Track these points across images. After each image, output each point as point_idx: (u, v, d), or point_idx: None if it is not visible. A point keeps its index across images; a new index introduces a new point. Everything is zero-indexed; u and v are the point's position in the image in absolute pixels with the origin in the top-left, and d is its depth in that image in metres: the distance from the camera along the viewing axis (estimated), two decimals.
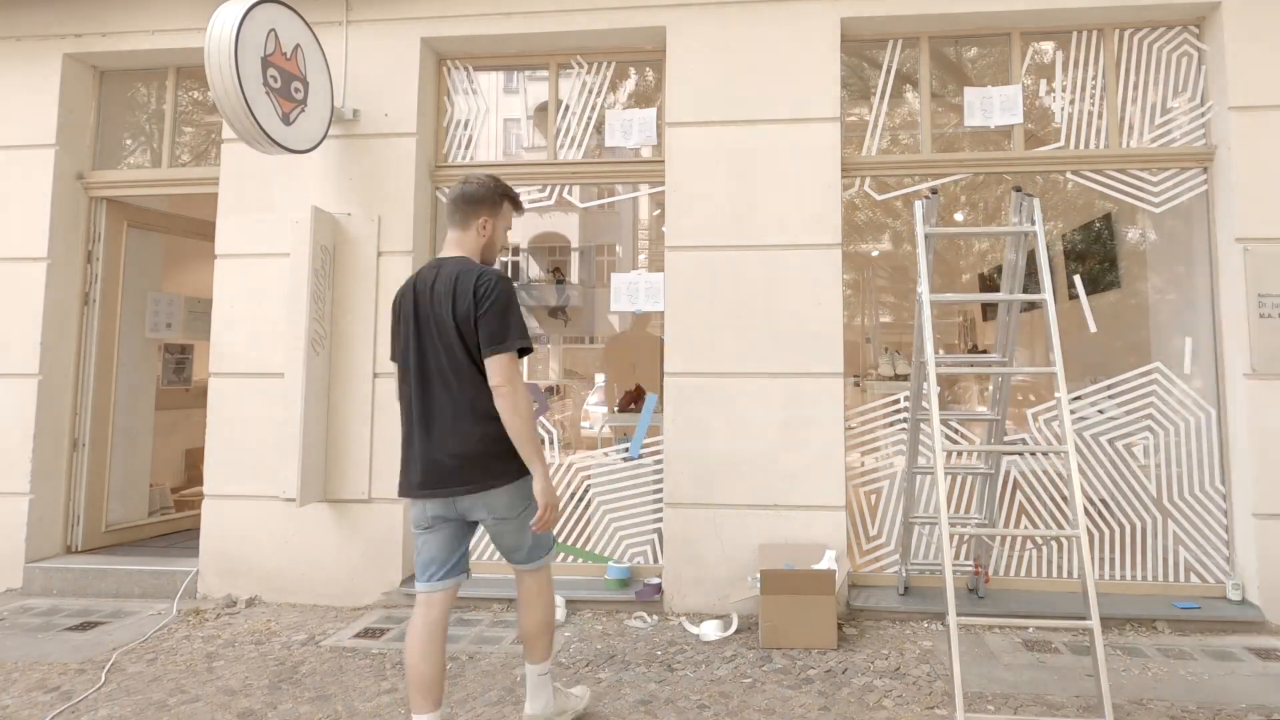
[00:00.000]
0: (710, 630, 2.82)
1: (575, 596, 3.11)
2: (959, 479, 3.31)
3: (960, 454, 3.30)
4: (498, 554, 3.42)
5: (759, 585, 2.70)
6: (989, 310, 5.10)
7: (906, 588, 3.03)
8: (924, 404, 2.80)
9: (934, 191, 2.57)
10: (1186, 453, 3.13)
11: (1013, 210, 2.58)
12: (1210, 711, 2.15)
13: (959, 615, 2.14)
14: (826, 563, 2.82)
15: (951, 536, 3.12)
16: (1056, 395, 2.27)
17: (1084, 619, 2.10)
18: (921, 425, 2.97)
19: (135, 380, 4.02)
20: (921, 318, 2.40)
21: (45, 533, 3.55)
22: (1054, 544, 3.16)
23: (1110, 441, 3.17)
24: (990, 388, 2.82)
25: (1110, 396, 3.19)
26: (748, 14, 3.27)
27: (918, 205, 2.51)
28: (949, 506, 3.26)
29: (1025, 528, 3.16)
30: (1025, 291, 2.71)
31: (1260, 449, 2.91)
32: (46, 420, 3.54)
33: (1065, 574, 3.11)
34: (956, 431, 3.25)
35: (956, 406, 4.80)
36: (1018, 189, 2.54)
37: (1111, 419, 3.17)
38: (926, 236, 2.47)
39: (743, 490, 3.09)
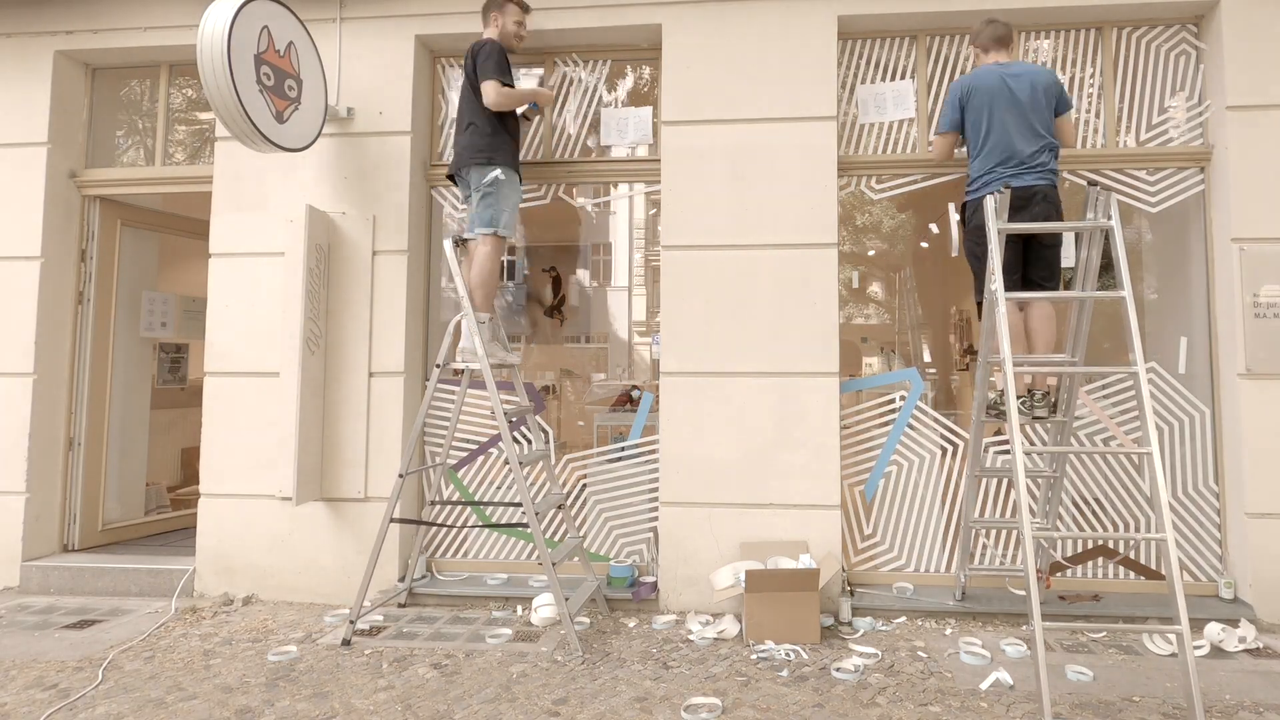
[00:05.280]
0: (704, 628, 2.83)
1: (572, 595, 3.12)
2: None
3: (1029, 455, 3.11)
4: (492, 553, 3.44)
5: (743, 583, 2.72)
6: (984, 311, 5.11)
7: (964, 592, 2.96)
8: (990, 406, 2.72)
9: (1007, 186, 2.51)
10: (1180, 452, 3.14)
11: (1088, 206, 2.49)
12: (1201, 708, 2.16)
13: (1044, 621, 2.09)
14: (804, 564, 2.83)
15: (1019, 539, 3.10)
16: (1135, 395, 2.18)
17: (1172, 622, 2.06)
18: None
19: (130, 379, 4.02)
20: (996, 316, 2.35)
21: (42, 531, 3.55)
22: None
23: (1104, 440, 3.18)
24: (1060, 389, 2.76)
25: (1105, 396, 3.20)
26: (744, 12, 3.25)
27: (989, 200, 2.46)
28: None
29: (1106, 531, 3.10)
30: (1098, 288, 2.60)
31: (1254, 448, 2.93)
32: (41, 419, 3.54)
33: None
34: (953, 433, 3.25)
35: (955, 408, 4.79)
36: (1093, 184, 2.46)
37: (1105, 419, 3.18)
38: (999, 232, 2.42)
39: (738, 489, 3.09)
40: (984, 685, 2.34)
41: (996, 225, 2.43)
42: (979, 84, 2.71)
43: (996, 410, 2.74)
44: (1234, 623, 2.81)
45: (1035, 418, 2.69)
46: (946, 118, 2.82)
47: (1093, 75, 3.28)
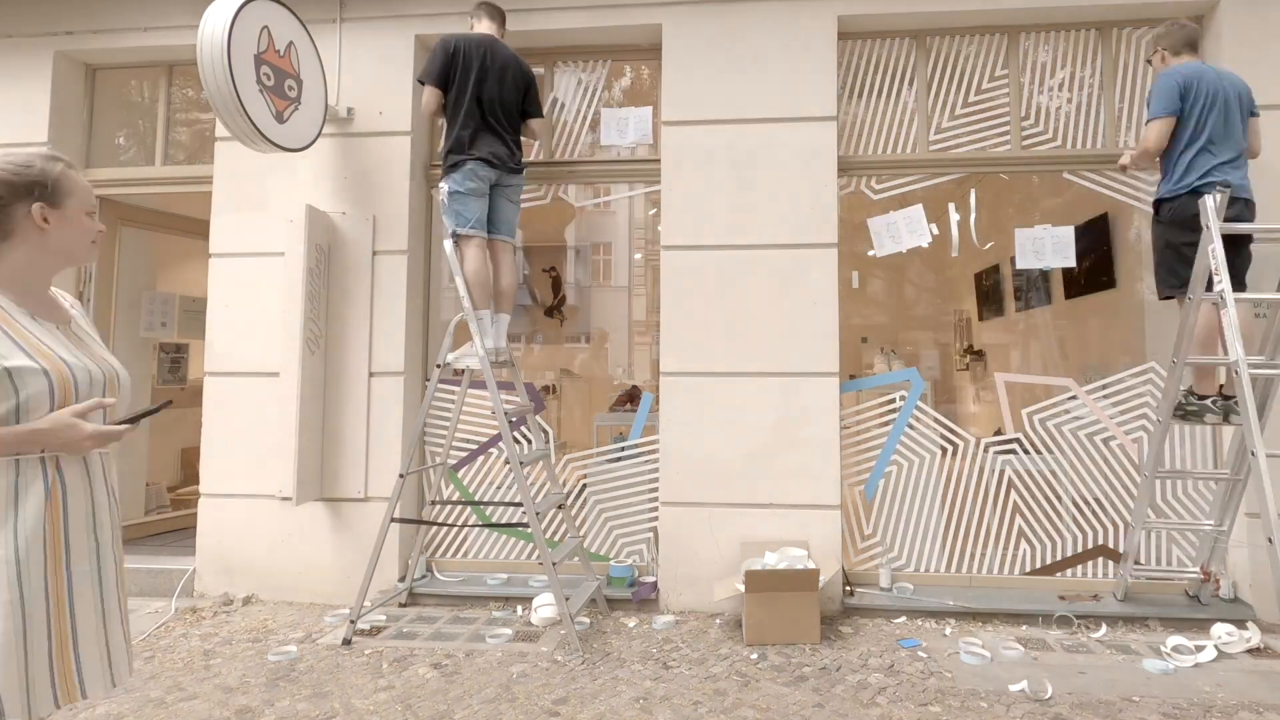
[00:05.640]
0: (703, 628, 2.83)
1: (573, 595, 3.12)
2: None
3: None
4: (493, 553, 3.44)
5: (744, 584, 2.72)
6: (984, 310, 5.16)
7: (1126, 593, 2.93)
8: (1177, 407, 2.66)
9: (1226, 185, 2.46)
10: (1180, 452, 3.14)
11: None
12: (1201, 708, 2.16)
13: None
14: (799, 564, 2.83)
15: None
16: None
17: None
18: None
19: (130, 379, 4.01)
20: (1222, 316, 2.32)
21: None
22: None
23: (1105, 441, 3.18)
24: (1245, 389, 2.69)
25: (1105, 396, 3.20)
26: (745, 12, 3.25)
27: (1208, 199, 2.42)
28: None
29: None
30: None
31: None
32: None
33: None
34: (954, 433, 3.25)
35: (955, 409, 4.79)
36: None
37: (1100, 421, 3.17)
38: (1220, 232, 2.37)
39: (738, 489, 3.09)
40: (981, 685, 2.34)
41: (1217, 225, 2.39)
42: (1198, 78, 2.60)
43: (1183, 412, 2.67)
44: (1235, 623, 2.80)
45: (1227, 420, 2.60)
46: (1168, 103, 2.63)
47: (1092, 75, 3.28)
